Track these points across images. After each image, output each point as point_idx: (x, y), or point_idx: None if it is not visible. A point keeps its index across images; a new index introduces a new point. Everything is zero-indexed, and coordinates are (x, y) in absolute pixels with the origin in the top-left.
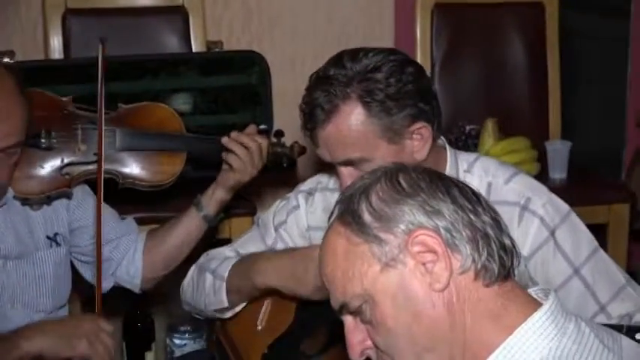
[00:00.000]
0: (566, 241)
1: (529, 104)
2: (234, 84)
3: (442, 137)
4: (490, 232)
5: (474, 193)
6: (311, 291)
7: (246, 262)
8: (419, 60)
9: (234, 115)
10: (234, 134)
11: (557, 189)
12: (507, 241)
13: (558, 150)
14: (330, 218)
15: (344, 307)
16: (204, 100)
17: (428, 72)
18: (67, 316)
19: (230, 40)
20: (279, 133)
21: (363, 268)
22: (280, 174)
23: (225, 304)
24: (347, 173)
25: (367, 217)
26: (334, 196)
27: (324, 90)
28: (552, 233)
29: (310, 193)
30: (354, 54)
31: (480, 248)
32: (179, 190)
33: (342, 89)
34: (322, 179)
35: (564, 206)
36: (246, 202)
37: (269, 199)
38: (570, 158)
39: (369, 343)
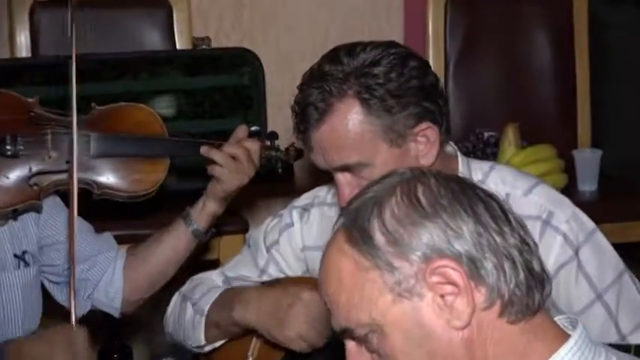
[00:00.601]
0: (590, 262)
1: (555, 107)
2: (224, 85)
3: (452, 144)
4: (518, 257)
5: (500, 207)
6: (290, 338)
7: (232, 291)
8: (431, 59)
9: (224, 120)
10: (207, 149)
11: (586, 203)
12: (537, 267)
13: (588, 159)
14: (333, 227)
15: (347, 332)
16: (190, 104)
17: (441, 72)
18: (40, 333)
19: (219, 36)
20: (273, 135)
21: (372, 295)
22: (276, 183)
23: (202, 342)
24: (344, 181)
25: (379, 238)
26: (332, 211)
27: (318, 87)
28: (576, 252)
29: (306, 209)
30: (351, 48)
31: (507, 279)
32: (163, 204)
33: (337, 86)
34: (320, 193)
35: (589, 223)
36: (237, 217)
37: (263, 214)
38: (601, 168)
39: None
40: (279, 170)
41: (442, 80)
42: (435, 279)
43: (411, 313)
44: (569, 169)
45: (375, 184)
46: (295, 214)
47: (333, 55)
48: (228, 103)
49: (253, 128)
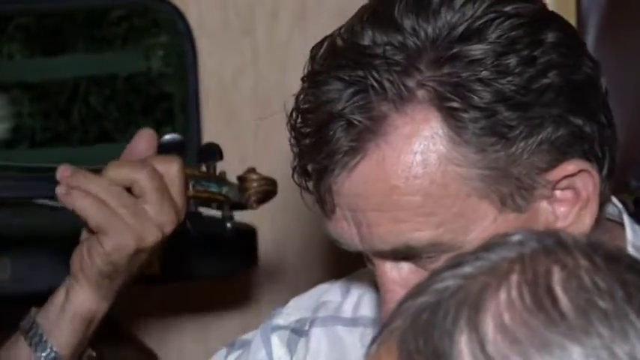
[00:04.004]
0: None
1: None
2: (112, 74)
3: (615, 200)
4: None
5: None
6: None
7: None
8: None
9: (111, 145)
10: (70, 171)
11: None
12: None
13: None
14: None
15: None
16: (44, 112)
17: None
18: None
19: None
20: (212, 152)
21: None
22: (221, 260)
23: None
24: (398, 279)
25: None
26: (355, 336)
27: (353, 81)
28: None
29: (298, 332)
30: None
31: None
32: None
33: (396, 80)
34: (329, 297)
35: None
36: (140, 349)
37: (191, 340)
38: None
39: None
40: (228, 226)
41: None
42: None
43: None
44: None
45: (462, 262)
46: (276, 341)
47: (383, 11)
48: (123, 109)
49: (169, 136)
